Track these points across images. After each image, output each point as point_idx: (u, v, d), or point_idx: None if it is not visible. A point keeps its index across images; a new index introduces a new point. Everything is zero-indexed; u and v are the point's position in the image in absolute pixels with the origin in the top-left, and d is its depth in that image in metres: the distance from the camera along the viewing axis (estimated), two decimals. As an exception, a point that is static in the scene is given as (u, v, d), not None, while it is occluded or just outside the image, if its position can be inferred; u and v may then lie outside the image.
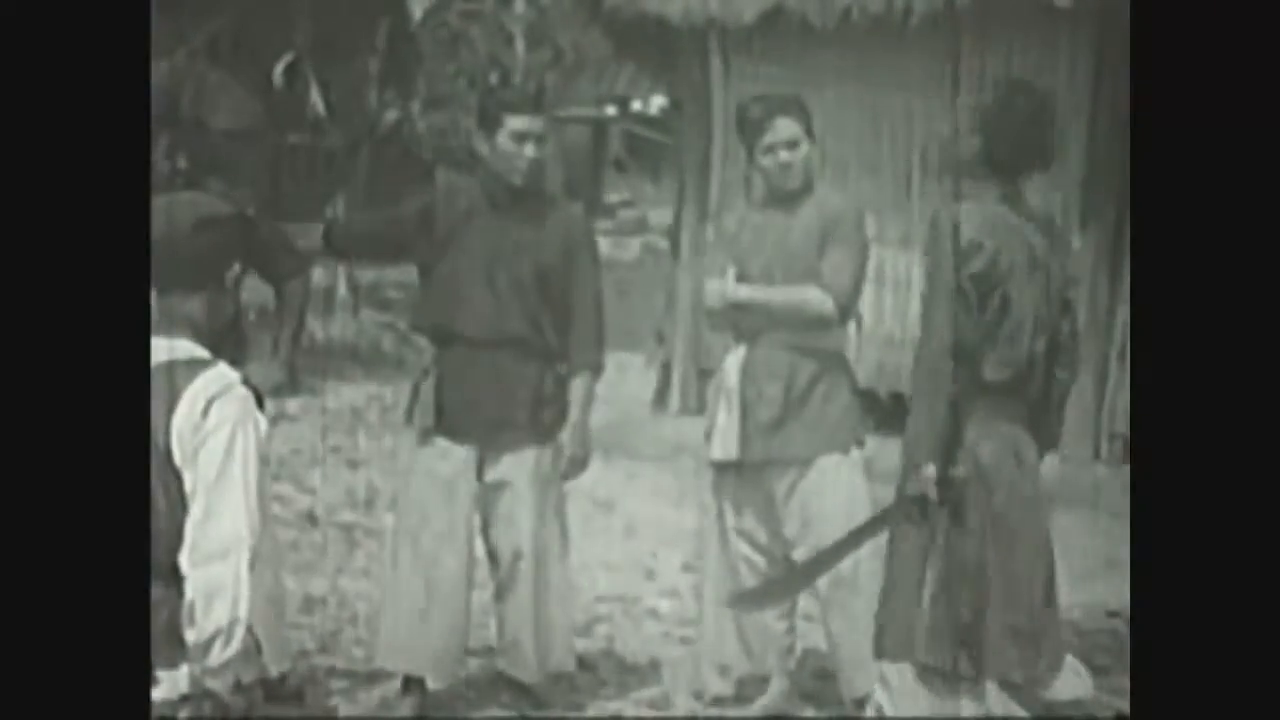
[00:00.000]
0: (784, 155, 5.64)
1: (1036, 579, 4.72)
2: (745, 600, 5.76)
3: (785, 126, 5.64)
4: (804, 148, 5.68)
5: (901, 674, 4.79)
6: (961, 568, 4.60)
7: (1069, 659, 4.89)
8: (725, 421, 5.72)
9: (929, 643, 4.66)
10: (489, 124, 5.75)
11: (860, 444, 5.72)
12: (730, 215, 6.18)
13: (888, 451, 5.70)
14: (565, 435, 5.83)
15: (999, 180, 4.69)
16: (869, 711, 5.00)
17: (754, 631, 5.87)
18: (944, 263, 4.53)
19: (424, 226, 5.86)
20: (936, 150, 4.72)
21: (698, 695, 6.11)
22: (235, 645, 3.44)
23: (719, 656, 5.98)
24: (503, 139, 5.71)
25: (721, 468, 5.78)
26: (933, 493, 4.61)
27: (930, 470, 4.61)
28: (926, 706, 4.77)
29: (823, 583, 5.59)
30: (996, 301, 4.56)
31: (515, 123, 5.70)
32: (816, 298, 5.62)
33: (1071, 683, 4.84)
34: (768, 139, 5.64)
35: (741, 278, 5.73)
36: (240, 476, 3.47)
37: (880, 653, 4.85)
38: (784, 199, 5.70)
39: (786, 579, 5.67)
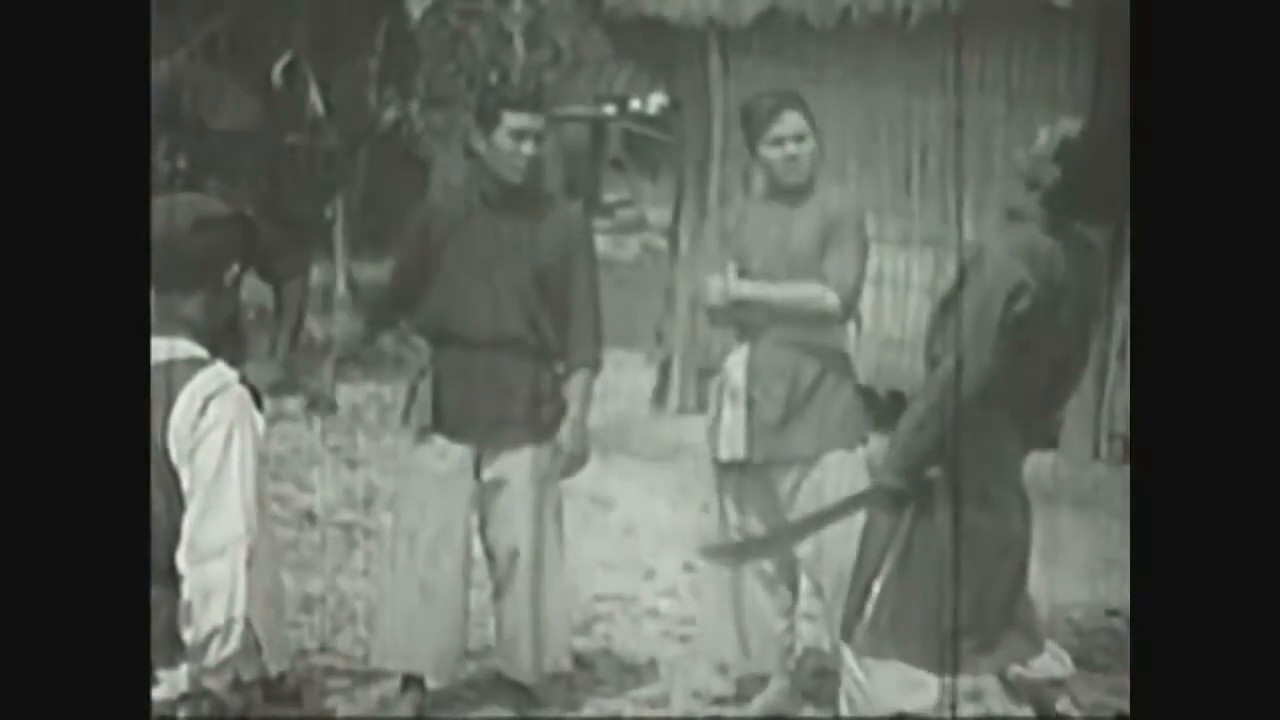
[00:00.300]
0: (791, 148, 5.66)
1: (1000, 580, 4.73)
2: (718, 556, 5.78)
3: (793, 120, 5.66)
4: (809, 142, 5.69)
5: (860, 661, 4.83)
6: (921, 562, 4.63)
7: (1049, 643, 4.92)
8: (730, 421, 5.71)
9: (874, 628, 4.70)
10: (487, 122, 5.74)
11: (864, 441, 5.72)
12: (730, 211, 6.17)
13: (872, 450, 5.70)
14: (564, 432, 5.83)
15: (1056, 212, 4.64)
16: (841, 698, 5.03)
17: (753, 631, 5.87)
18: (991, 301, 4.50)
19: (425, 235, 5.87)
20: (999, 165, 4.70)
21: (696, 694, 6.11)
22: (233, 644, 3.44)
23: (718, 656, 5.98)
24: (500, 137, 5.71)
25: (725, 467, 5.77)
26: (905, 487, 4.64)
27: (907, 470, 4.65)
28: (883, 693, 4.81)
29: (827, 582, 5.59)
30: (1029, 337, 4.54)
31: (513, 120, 5.70)
32: (820, 293, 5.63)
33: (1049, 664, 4.86)
34: (775, 131, 5.65)
35: (743, 274, 5.74)
36: (237, 475, 3.48)
37: (843, 636, 4.90)
38: (787, 193, 5.71)
39: (760, 540, 5.68)
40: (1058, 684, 4.92)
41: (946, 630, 4.62)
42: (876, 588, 4.70)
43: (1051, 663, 4.89)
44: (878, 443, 5.78)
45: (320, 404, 6.01)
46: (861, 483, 5.62)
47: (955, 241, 9.25)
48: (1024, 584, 4.84)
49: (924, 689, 4.80)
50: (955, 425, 4.52)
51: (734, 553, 5.76)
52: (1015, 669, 4.83)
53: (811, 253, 5.66)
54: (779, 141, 5.66)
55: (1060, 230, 4.64)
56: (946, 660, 4.64)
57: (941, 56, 9.73)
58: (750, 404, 5.68)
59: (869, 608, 4.73)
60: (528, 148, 5.71)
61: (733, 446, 5.71)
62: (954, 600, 4.60)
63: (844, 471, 5.64)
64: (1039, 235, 4.61)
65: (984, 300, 4.51)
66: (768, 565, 5.82)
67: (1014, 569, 4.79)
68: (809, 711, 5.97)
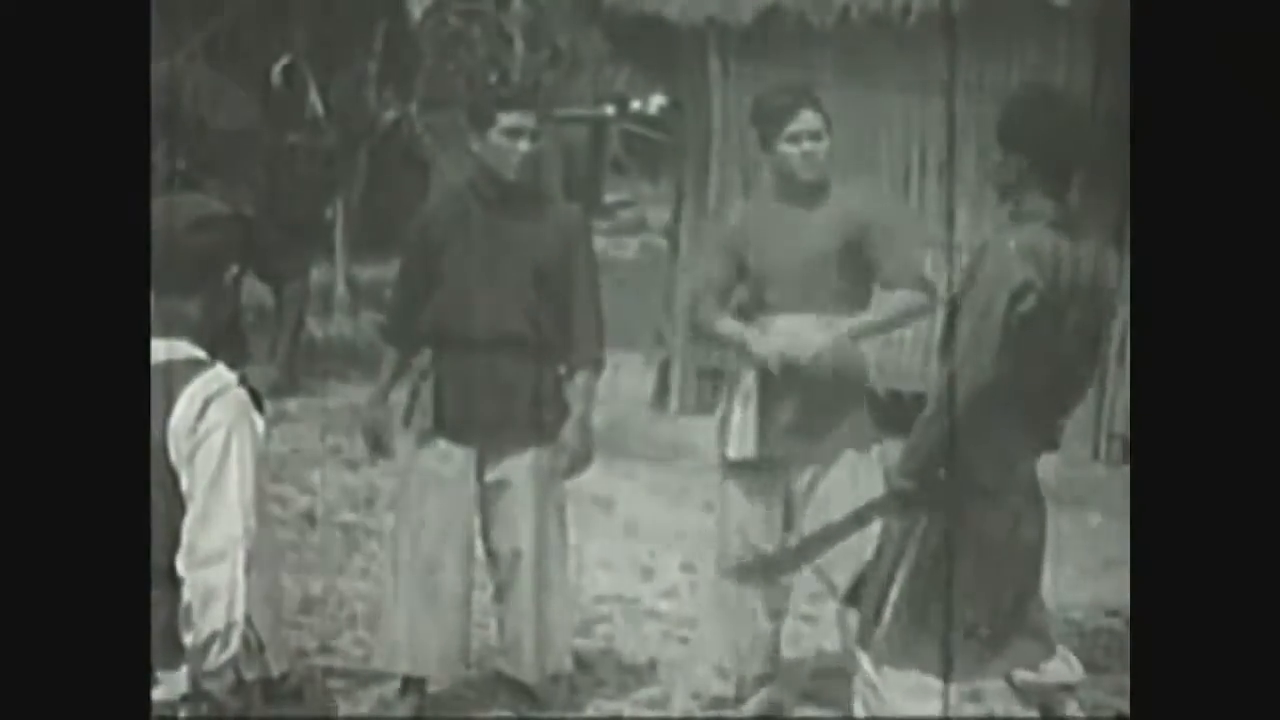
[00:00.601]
0: (808, 145, 5.64)
1: (1008, 585, 4.71)
2: (739, 576, 5.77)
3: (810, 118, 5.65)
4: (824, 141, 5.68)
5: (878, 668, 4.82)
6: (930, 567, 4.62)
7: (1060, 648, 4.90)
8: (741, 420, 5.70)
9: (890, 634, 4.69)
10: (481, 122, 5.75)
11: (879, 441, 5.71)
12: (732, 210, 6.17)
13: (885, 450, 5.69)
14: (567, 431, 5.83)
15: (1053, 197, 4.63)
16: (856, 702, 5.02)
17: (743, 632, 5.87)
18: (994, 302, 4.49)
19: (425, 238, 5.87)
20: (984, 171, 4.71)
21: (696, 695, 6.10)
22: (232, 648, 3.43)
23: (716, 657, 5.97)
24: (495, 135, 5.71)
25: (735, 467, 5.75)
26: (916, 490, 4.63)
27: (913, 469, 4.64)
28: (899, 699, 4.80)
29: (839, 581, 5.57)
30: (1037, 337, 4.53)
31: (508, 119, 5.70)
32: (915, 300, 5.64)
33: (1059, 669, 4.85)
34: (793, 127, 5.63)
35: (744, 273, 5.74)
36: (237, 478, 3.47)
37: (860, 642, 4.90)
38: (799, 192, 5.69)
39: (782, 556, 5.66)
40: (1067, 689, 4.91)
41: (951, 638, 4.61)
42: (894, 593, 4.69)
43: (1061, 667, 4.87)
44: (891, 444, 5.79)
45: (384, 448, 6.00)
46: (875, 482, 5.62)
47: (955, 242, 9.25)
48: (1036, 587, 4.81)
49: (939, 696, 4.78)
50: (952, 423, 4.52)
51: (759, 571, 5.73)
52: (1024, 674, 4.82)
53: (829, 256, 5.64)
54: (796, 139, 5.65)
55: (1063, 222, 4.63)
56: (958, 664, 4.63)
57: (940, 56, 9.73)
58: (763, 404, 5.67)
59: (887, 613, 4.72)
60: (523, 145, 5.71)
61: (743, 446, 5.70)
62: (947, 601, 4.59)
63: (859, 471, 5.63)
64: (1044, 233, 4.59)
65: (988, 299, 4.50)
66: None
67: (1026, 571, 4.76)
68: (810, 712, 5.97)
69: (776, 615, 5.89)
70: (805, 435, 5.67)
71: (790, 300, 5.69)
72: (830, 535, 5.31)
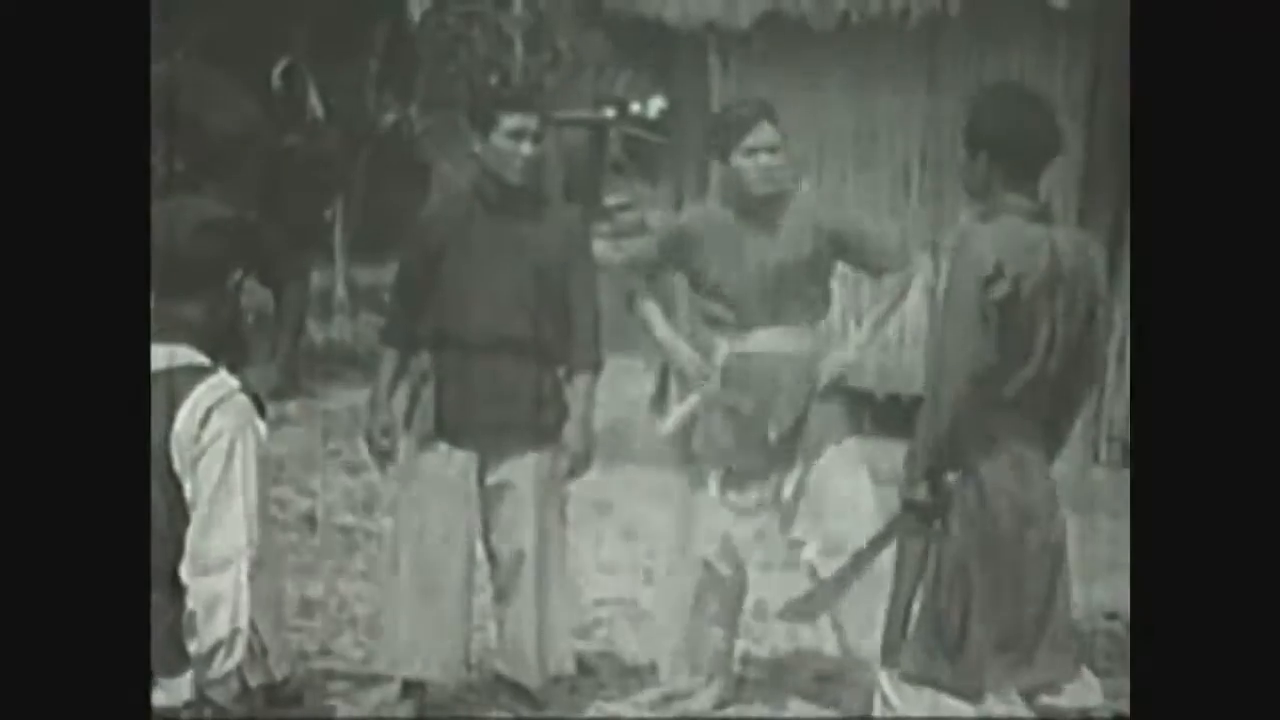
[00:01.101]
0: (764, 159, 5.66)
1: (1030, 593, 4.68)
2: (789, 614, 5.76)
3: (769, 131, 5.67)
4: (781, 154, 5.70)
5: (897, 681, 4.79)
6: (949, 577, 4.59)
7: (1084, 671, 4.86)
8: (720, 431, 5.75)
9: (914, 651, 4.66)
10: (483, 124, 5.74)
11: (854, 432, 5.74)
12: (689, 217, 6.18)
13: (886, 452, 5.69)
14: (568, 433, 5.84)
15: (1024, 191, 4.62)
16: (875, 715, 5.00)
17: (694, 639, 5.92)
18: (966, 289, 4.49)
19: (425, 240, 5.87)
20: (954, 172, 4.71)
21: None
22: (237, 655, 3.44)
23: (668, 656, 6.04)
24: (498, 137, 5.70)
25: (722, 477, 5.79)
26: (926, 500, 4.61)
27: (922, 477, 4.62)
28: (924, 713, 4.76)
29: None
30: (1018, 325, 4.52)
31: (510, 121, 5.69)
32: (906, 275, 5.69)
33: (1079, 692, 4.81)
34: (751, 140, 5.65)
35: (709, 286, 5.76)
36: (240, 486, 3.47)
37: (883, 658, 4.87)
38: (754, 206, 5.69)
39: (815, 594, 5.59)
40: (1085, 713, 4.86)
41: (974, 651, 4.58)
42: (915, 608, 4.66)
43: (1082, 689, 4.82)
44: (873, 446, 5.79)
45: (392, 453, 5.99)
46: (863, 474, 5.63)
47: (948, 243, 9.26)
48: (1057, 596, 4.74)
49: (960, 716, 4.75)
50: (938, 415, 4.50)
51: (803, 607, 5.69)
52: (1046, 698, 4.77)
53: (799, 265, 5.67)
54: (753, 151, 5.66)
55: (1039, 213, 4.63)
56: (987, 678, 4.60)
57: (940, 58, 9.74)
58: (744, 419, 5.70)
59: (910, 629, 4.69)
60: (526, 148, 5.71)
61: (726, 458, 5.75)
62: (933, 605, 4.57)
63: (845, 463, 5.65)
64: (1019, 225, 4.59)
65: (962, 287, 4.50)
66: (725, 571, 5.85)
67: (1049, 578, 4.71)
68: (809, 712, 5.98)
69: (730, 621, 5.93)
70: (789, 442, 5.69)
71: (765, 315, 5.72)
72: (858, 562, 5.27)
